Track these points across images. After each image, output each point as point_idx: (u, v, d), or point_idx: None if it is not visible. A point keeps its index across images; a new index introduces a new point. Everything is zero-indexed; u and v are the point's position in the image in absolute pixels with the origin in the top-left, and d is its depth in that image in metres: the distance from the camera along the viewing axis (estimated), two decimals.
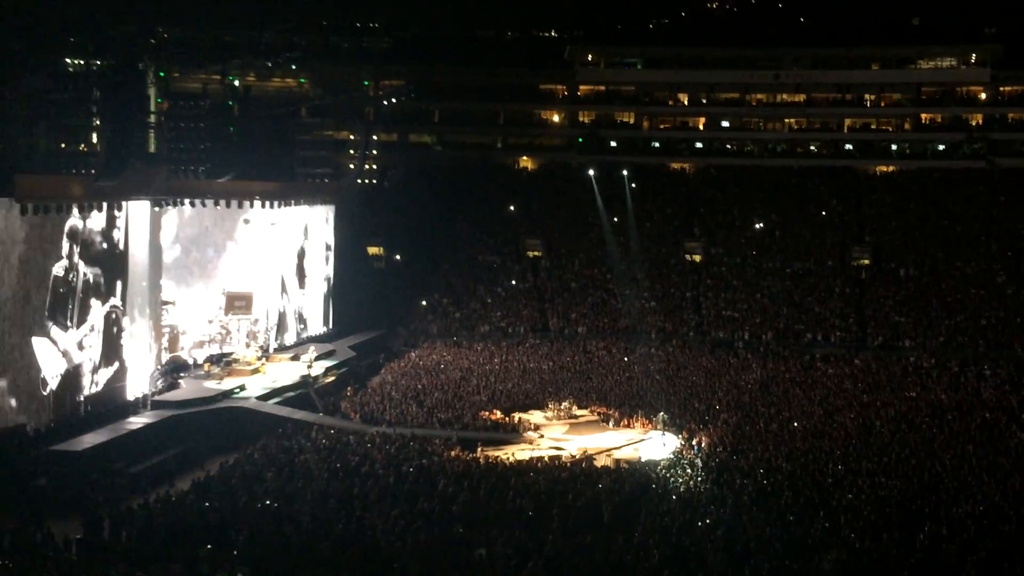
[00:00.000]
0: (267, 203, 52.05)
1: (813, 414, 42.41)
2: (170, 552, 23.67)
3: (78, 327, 37.76)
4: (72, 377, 37.40)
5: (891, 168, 78.76)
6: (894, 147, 79.62)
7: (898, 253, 68.41)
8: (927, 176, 76.02)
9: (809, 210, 73.34)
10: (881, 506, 28.16)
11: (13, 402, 34.30)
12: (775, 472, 31.97)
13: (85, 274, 38.22)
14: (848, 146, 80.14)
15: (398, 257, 70.26)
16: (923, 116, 79.69)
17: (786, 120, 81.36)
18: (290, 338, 54.87)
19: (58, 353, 36.58)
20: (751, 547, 24.09)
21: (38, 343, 35.57)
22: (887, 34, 77.56)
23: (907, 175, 77.12)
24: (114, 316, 40.23)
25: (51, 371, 36.13)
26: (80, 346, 37.88)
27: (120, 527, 26.19)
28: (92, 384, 38.64)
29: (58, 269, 36.71)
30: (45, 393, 35.90)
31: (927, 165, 77.23)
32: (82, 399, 37.97)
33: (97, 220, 39.19)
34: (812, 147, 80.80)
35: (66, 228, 37.26)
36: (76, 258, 37.78)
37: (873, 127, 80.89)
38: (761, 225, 72.32)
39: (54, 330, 36.45)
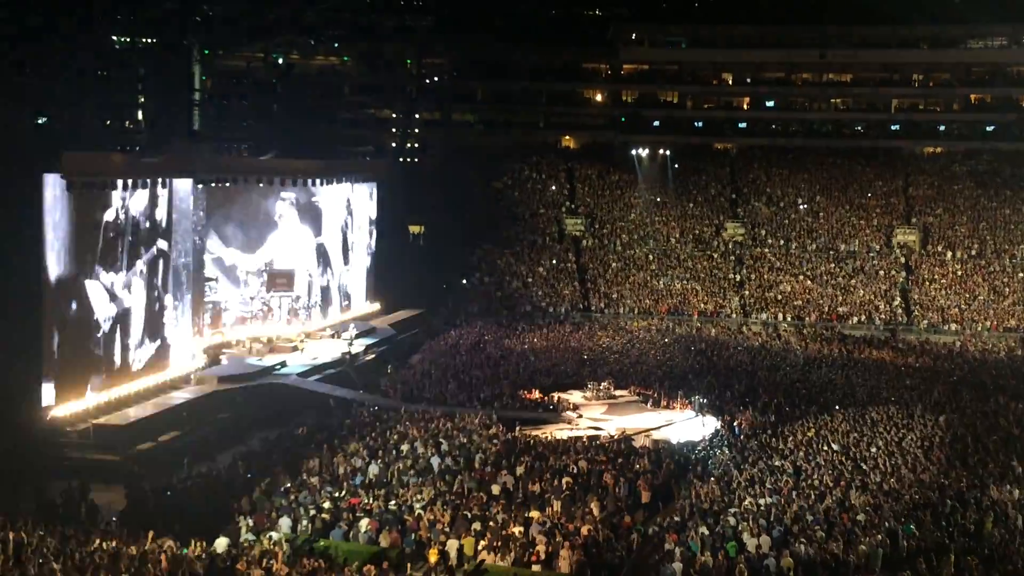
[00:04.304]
0: (309, 181, 52.20)
1: (855, 396, 42.11)
2: (212, 525, 23.92)
3: (121, 292, 38.16)
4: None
5: (939, 149, 77.69)
6: (942, 128, 78.44)
7: (945, 236, 67.59)
8: (975, 157, 74.96)
9: (855, 191, 72.61)
10: (923, 490, 27.88)
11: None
12: (816, 454, 31.77)
13: (129, 250, 38.58)
14: (895, 127, 79.05)
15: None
16: (972, 96, 78.41)
17: (832, 100, 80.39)
18: (333, 314, 55.05)
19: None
20: (791, 530, 23.97)
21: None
22: (935, 13, 76.34)
23: (955, 156, 76.09)
24: (156, 293, 40.58)
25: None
26: (122, 325, 38.26)
27: (163, 499, 26.51)
28: (135, 362, 39.05)
29: (107, 234, 37.14)
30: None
31: (975, 146, 76.13)
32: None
33: (140, 197, 39.44)
34: (858, 127, 79.86)
35: (110, 204, 37.60)
36: (121, 233, 38.11)
37: (921, 107, 79.74)
38: (805, 206, 71.74)
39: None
